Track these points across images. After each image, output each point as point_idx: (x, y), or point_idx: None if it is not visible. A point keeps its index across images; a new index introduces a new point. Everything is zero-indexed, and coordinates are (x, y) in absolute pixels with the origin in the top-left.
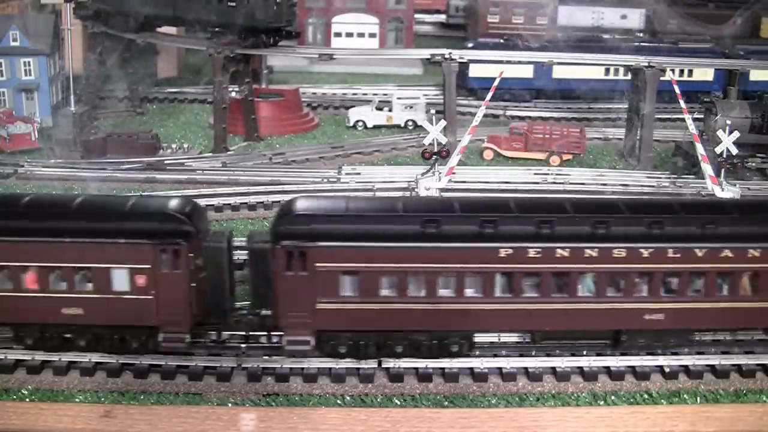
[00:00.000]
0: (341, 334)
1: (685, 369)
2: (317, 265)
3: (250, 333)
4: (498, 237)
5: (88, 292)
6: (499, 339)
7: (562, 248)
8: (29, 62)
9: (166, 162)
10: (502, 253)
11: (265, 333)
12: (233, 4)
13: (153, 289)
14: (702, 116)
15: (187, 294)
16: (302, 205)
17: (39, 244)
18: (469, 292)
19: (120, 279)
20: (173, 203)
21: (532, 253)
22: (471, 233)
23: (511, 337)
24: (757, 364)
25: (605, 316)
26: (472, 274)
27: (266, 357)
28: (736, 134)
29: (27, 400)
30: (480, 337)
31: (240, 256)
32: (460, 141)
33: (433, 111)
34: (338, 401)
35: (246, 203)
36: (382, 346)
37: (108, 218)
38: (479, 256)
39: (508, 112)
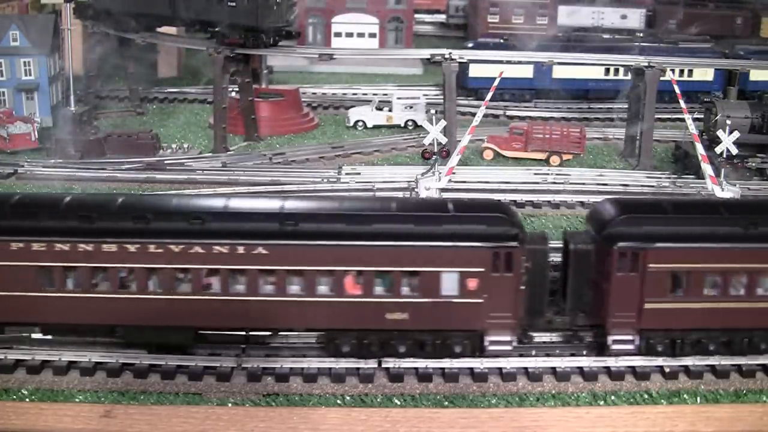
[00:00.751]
0: (661, 332)
1: (685, 369)
2: (649, 265)
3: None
4: None
5: (415, 297)
6: None
7: None
8: (29, 62)
9: (165, 162)
10: None
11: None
12: (233, 4)
13: (484, 292)
14: (702, 116)
15: (516, 297)
16: (625, 207)
17: (362, 248)
18: None
19: (449, 283)
20: (496, 205)
21: None
22: None
23: None
24: (757, 364)
25: None
26: None
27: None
28: (736, 134)
29: (27, 400)
30: None
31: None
32: (460, 141)
33: (433, 111)
34: (338, 401)
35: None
36: (696, 343)
37: (435, 221)
38: None
39: (508, 112)
